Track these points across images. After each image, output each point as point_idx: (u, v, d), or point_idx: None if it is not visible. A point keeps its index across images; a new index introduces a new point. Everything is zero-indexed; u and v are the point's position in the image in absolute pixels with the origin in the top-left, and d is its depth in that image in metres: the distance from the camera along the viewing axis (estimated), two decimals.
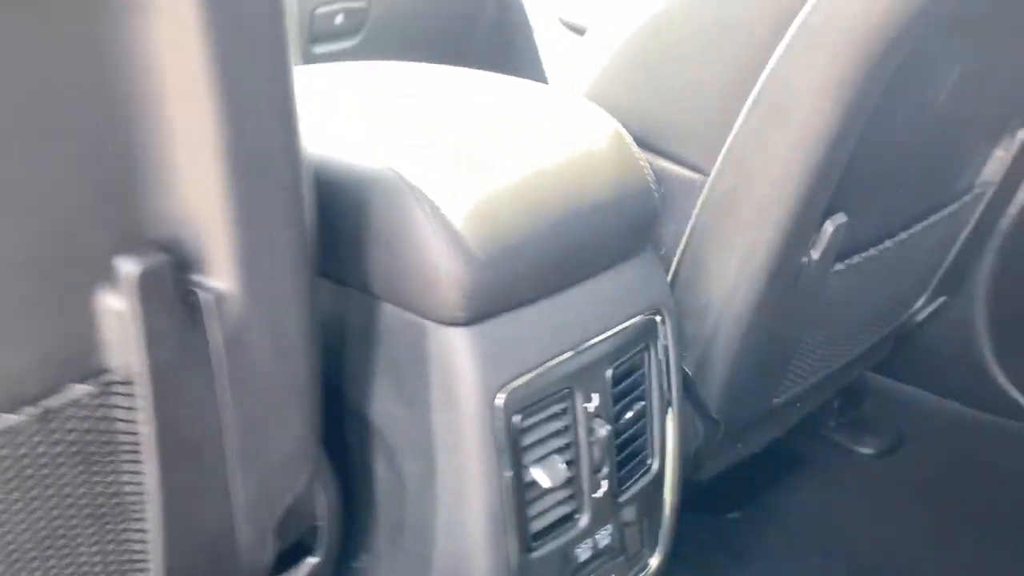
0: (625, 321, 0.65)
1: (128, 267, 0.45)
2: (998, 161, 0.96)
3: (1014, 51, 0.80)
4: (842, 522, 1.15)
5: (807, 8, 0.59)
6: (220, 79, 0.43)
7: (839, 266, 0.80)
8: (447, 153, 0.59)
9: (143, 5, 0.41)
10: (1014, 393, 1.22)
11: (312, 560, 0.65)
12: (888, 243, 0.86)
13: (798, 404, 0.98)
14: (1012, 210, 1.10)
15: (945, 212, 0.93)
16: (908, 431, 1.26)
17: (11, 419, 0.45)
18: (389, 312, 0.59)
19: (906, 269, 0.96)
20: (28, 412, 0.45)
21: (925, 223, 0.91)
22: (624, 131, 0.66)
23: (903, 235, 0.88)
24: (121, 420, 0.49)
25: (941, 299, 1.12)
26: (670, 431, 0.71)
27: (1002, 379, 1.21)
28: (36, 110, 0.41)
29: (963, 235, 1.02)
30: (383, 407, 0.62)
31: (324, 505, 0.63)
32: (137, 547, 0.53)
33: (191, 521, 0.53)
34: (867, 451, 1.24)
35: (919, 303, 1.08)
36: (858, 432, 1.26)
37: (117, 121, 0.43)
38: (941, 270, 1.05)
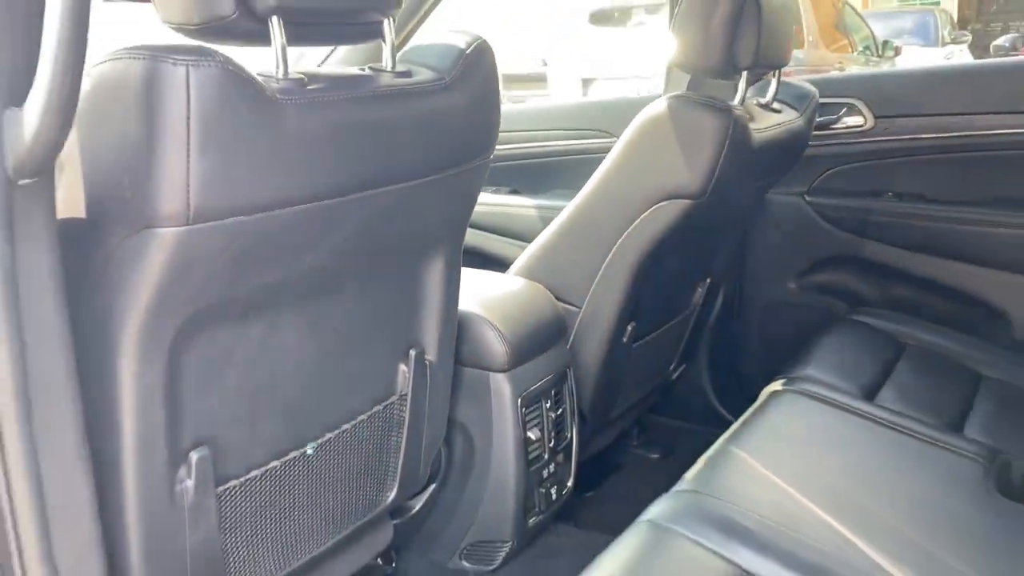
0: (557, 371, 1.54)
1: (412, 353, 1.28)
2: (697, 293, 1.96)
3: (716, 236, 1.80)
4: (648, 495, 2.06)
5: (626, 232, 1.53)
6: (447, 278, 1.28)
7: (635, 345, 1.74)
8: (491, 305, 1.47)
9: (431, 263, 1.26)
10: (725, 414, 2.22)
11: (433, 485, 1.47)
12: (654, 335, 1.82)
13: (621, 420, 1.91)
14: (714, 311, 2.13)
15: (679, 318, 1.91)
16: (673, 443, 2.23)
17: (376, 408, 1.25)
18: (470, 372, 1.45)
19: (664, 348, 1.93)
20: (375, 408, 1.26)
21: (672, 323, 1.88)
22: (547, 291, 1.58)
23: (663, 328, 1.84)
24: (398, 407, 1.30)
25: (683, 365, 2.10)
26: (575, 420, 1.60)
27: (718, 406, 2.22)
28: (392, 319, 1.24)
29: (689, 328, 2.01)
30: (465, 411, 1.47)
31: (443, 456, 1.46)
32: (392, 464, 1.33)
33: (413, 451, 1.34)
34: (655, 456, 2.18)
35: (672, 367, 2.06)
36: (648, 446, 2.20)
37: (413, 311, 1.27)
38: (681, 348, 2.03)
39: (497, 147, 2.43)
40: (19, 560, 0.79)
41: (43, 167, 0.74)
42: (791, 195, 2.03)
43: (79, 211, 0.84)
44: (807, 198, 2.03)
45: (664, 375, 2.02)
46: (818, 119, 1.96)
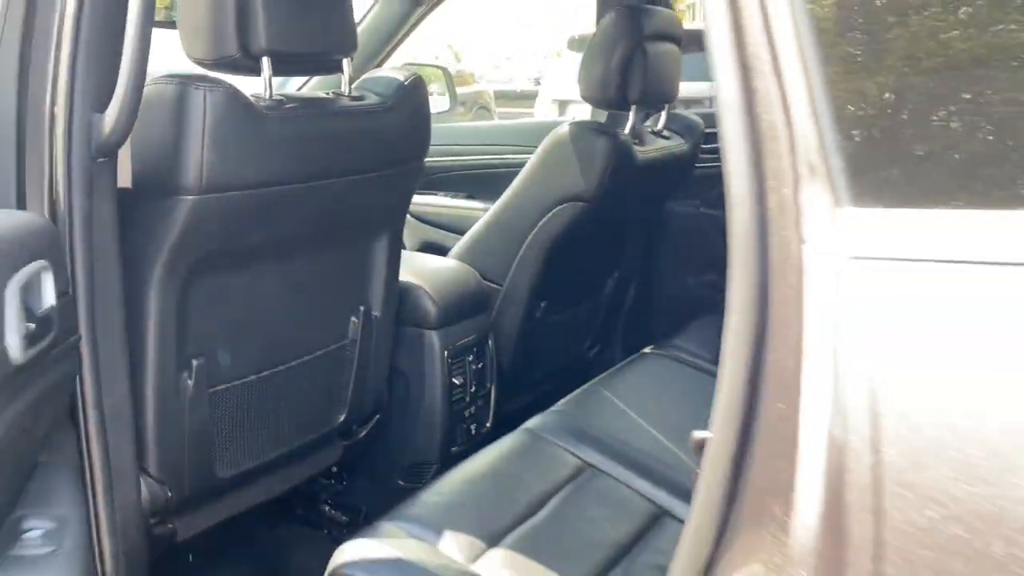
0: (480, 333, 1.96)
1: (362, 309, 1.70)
2: (608, 284, 2.39)
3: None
4: None
5: (537, 226, 1.96)
6: (390, 254, 1.70)
7: (549, 320, 2.16)
8: (428, 278, 1.89)
9: (376, 240, 1.68)
10: None
11: (377, 416, 1.89)
12: (565, 313, 2.24)
13: (541, 385, 2.33)
14: (626, 301, 2.56)
15: (589, 303, 2.33)
16: None
17: (332, 347, 1.66)
18: (409, 330, 1.87)
19: (576, 327, 2.35)
20: (331, 347, 1.67)
21: (581, 305, 2.30)
22: (475, 271, 2.01)
23: (574, 310, 2.27)
24: (349, 349, 1.71)
25: (599, 346, 2.53)
26: (495, 376, 2.02)
27: None
28: (346, 281, 1.66)
29: (602, 314, 2.43)
30: (404, 360, 1.88)
31: (386, 395, 1.88)
32: (343, 394, 1.74)
33: (360, 385, 1.75)
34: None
35: (588, 346, 2.47)
36: None
37: (362, 276, 1.69)
38: (595, 330, 2.45)
39: (456, 159, 2.90)
40: (83, 406, 1.20)
41: (112, 151, 1.16)
42: (690, 207, 2.46)
43: (128, 182, 1.25)
44: (703, 209, 2.46)
45: (579, 351, 2.44)
46: (715, 144, 2.39)
